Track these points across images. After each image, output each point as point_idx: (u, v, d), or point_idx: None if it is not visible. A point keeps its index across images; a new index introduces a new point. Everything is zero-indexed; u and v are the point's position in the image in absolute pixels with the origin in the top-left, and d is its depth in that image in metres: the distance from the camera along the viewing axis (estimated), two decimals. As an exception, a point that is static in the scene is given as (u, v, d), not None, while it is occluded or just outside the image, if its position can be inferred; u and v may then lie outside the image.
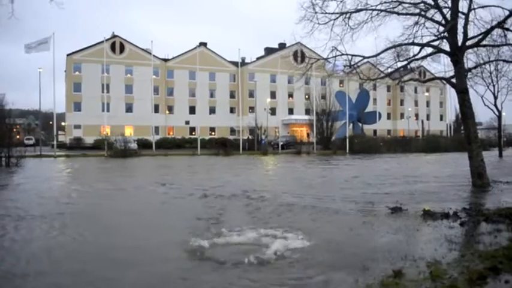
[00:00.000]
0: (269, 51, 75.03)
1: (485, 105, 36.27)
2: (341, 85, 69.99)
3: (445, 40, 14.12)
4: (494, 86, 34.60)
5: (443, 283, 4.43)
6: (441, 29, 14.00)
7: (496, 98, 35.46)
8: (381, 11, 14.22)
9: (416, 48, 14.76)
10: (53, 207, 10.51)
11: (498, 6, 13.45)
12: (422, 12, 14.17)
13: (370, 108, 68.70)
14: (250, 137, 55.71)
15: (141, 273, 5.22)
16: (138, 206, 11.21)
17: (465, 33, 13.74)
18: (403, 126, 76.06)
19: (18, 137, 60.55)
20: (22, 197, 12.52)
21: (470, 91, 15.88)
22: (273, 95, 69.39)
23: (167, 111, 66.42)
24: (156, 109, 60.18)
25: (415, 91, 68.31)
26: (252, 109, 63.75)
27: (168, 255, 6.05)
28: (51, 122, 54.69)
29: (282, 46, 71.16)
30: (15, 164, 25.28)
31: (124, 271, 5.35)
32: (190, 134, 62.56)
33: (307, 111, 65.98)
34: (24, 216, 9.10)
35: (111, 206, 11.32)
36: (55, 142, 43.64)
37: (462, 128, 19.43)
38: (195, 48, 62.52)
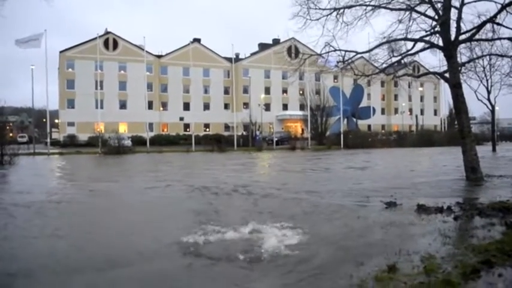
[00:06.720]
0: (263, 47, 74.84)
1: (478, 99, 36.53)
2: (335, 80, 70.04)
3: (438, 35, 14.16)
4: (487, 80, 34.83)
5: (437, 277, 4.44)
6: (434, 24, 14.02)
7: (489, 92, 35.71)
8: (374, 6, 14.19)
9: (410, 44, 14.80)
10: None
11: (490, 1, 13.47)
12: (416, 7, 14.18)
13: (364, 103, 68.74)
14: (244, 133, 55.71)
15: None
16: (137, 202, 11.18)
17: (458, 27, 13.77)
18: (397, 121, 76.23)
19: (11, 134, 59.89)
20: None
21: (464, 86, 15.95)
22: (267, 90, 69.41)
23: (161, 108, 66.21)
24: (150, 106, 59.91)
25: (409, 86, 68.38)
26: (246, 105, 63.68)
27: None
28: (44, 120, 54.23)
29: (276, 42, 70.90)
30: (9, 162, 25.15)
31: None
32: (185, 130, 62.29)
33: (302, 107, 66.00)
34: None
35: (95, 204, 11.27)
36: (48, 140, 43.42)
37: (456, 122, 19.55)
38: (189, 44, 62.18)
